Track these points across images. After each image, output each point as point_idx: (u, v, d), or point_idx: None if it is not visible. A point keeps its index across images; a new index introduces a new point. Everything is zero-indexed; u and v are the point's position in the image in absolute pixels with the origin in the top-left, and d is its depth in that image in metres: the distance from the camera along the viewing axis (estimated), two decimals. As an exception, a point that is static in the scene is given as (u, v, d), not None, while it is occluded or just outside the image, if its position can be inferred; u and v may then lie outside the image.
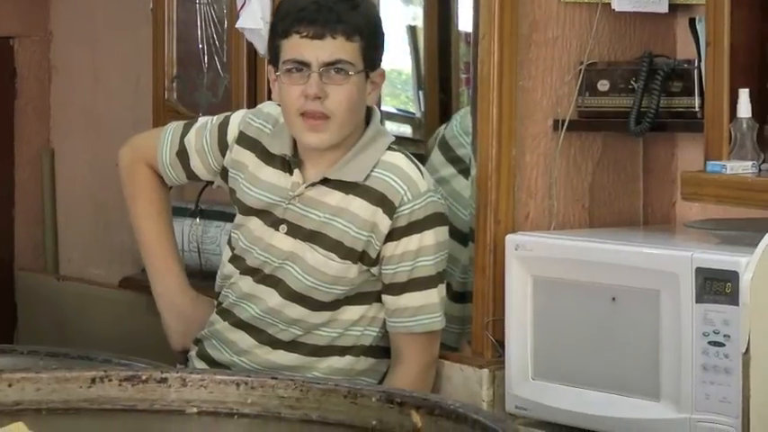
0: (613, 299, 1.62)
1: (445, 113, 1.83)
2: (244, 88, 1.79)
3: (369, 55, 1.56)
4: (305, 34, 1.52)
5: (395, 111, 1.91)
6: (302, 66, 1.52)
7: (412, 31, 1.77)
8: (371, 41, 1.56)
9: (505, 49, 1.60)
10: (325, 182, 1.57)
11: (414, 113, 1.81)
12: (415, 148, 1.77)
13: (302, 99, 1.51)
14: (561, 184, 1.66)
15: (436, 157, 1.79)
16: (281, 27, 1.56)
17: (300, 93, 1.51)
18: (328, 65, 1.52)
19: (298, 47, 1.53)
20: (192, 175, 1.69)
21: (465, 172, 1.76)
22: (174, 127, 1.70)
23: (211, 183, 1.72)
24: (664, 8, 1.66)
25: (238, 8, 1.71)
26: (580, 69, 1.65)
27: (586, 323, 1.77)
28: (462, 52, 1.77)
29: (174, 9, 1.81)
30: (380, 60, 1.59)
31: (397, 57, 1.83)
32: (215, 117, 1.70)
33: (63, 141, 2.74)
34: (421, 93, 1.82)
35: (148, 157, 1.71)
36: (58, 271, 2.99)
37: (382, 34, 1.60)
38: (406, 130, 1.85)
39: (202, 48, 1.82)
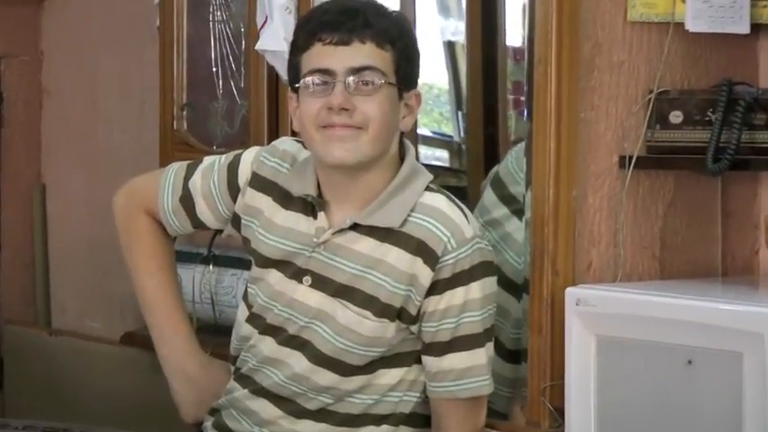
0: (689, 362, 1.54)
1: (490, 138, 1.79)
2: (264, 118, 1.73)
3: (402, 68, 1.46)
4: (329, 41, 1.43)
5: (429, 133, 1.88)
6: (326, 76, 1.43)
7: (450, 46, 1.75)
8: (405, 53, 1.48)
9: (564, 75, 1.56)
10: (355, 227, 1.48)
11: (452, 137, 1.78)
12: (456, 179, 1.75)
13: (325, 112, 1.41)
14: (628, 229, 1.61)
15: (488, 195, 1.76)
16: (301, 39, 1.48)
17: (323, 105, 1.42)
18: (356, 71, 1.42)
19: (320, 55, 1.44)
20: (198, 224, 1.61)
21: (520, 212, 1.74)
22: (177, 169, 1.64)
23: (221, 231, 1.63)
24: (745, 28, 1.60)
25: (258, 27, 1.66)
26: (649, 99, 1.59)
27: (658, 389, 1.69)
28: (510, 70, 1.73)
29: (185, 27, 1.77)
30: (416, 80, 1.51)
31: (433, 73, 1.78)
32: (223, 156, 1.63)
33: (56, 176, 2.64)
34: (460, 114, 1.77)
35: (148, 203, 1.64)
36: (50, 324, 2.90)
37: (417, 50, 1.52)
38: (442, 155, 1.82)
39: (216, 71, 1.78)
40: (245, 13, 1.74)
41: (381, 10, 1.51)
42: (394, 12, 1.57)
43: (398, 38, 1.48)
